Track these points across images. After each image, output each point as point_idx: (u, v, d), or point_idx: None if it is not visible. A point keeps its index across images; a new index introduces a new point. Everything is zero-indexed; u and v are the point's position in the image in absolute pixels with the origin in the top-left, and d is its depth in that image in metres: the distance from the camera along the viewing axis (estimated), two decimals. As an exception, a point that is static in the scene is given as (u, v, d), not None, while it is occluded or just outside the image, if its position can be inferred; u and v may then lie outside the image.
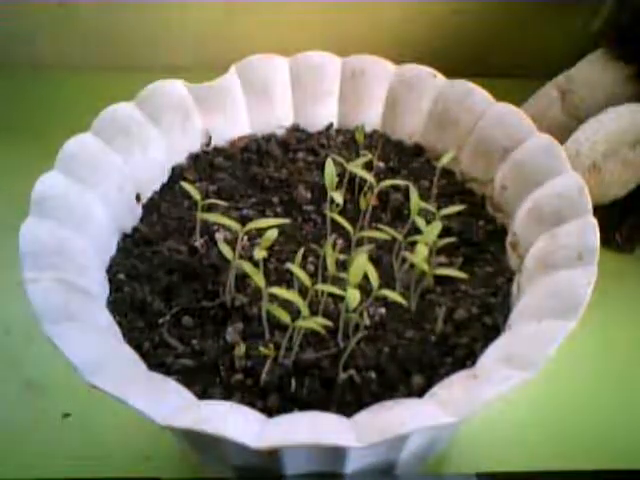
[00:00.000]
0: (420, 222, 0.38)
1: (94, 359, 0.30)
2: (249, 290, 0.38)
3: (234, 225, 0.37)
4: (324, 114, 0.50)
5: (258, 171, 0.47)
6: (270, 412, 0.32)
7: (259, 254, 0.35)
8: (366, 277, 0.34)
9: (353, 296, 0.32)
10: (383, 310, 0.37)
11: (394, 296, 0.34)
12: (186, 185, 0.41)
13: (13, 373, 0.45)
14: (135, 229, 0.43)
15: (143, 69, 0.68)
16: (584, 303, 0.32)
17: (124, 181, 0.42)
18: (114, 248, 0.41)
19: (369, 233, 0.38)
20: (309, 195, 0.45)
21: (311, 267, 0.40)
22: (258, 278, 0.35)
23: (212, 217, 0.38)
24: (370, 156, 0.44)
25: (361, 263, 0.34)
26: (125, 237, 0.42)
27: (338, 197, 0.40)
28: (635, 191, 0.52)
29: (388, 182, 0.41)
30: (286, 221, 0.39)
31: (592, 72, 0.56)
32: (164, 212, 0.44)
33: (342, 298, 0.35)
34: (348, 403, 0.33)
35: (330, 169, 0.40)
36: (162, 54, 0.70)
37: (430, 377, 0.34)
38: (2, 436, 0.42)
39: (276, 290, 0.34)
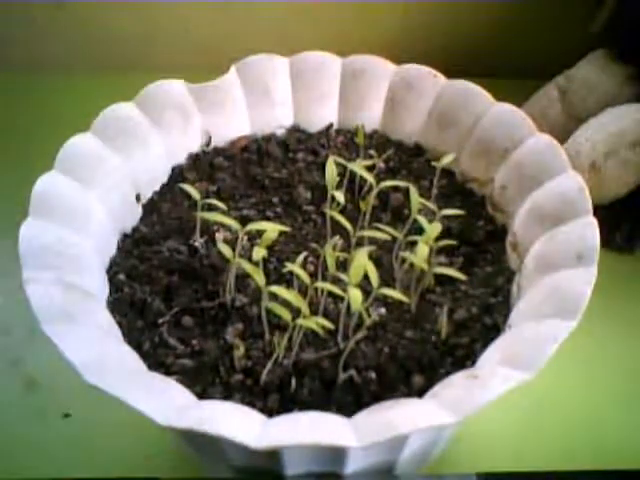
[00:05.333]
0: (421, 220, 0.38)
1: (94, 359, 0.30)
2: (249, 290, 0.38)
3: (234, 224, 0.37)
4: (324, 114, 0.50)
5: (258, 171, 0.47)
6: (270, 412, 0.32)
7: (259, 253, 0.35)
8: (366, 277, 0.34)
9: (356, 296, 0.32)
10: (383, 310, 0.37)
11: (395, 294, 0.34)
12: (186, 185, 0.41)
13: (13, 373, 0.45)
14: (135, 229, 0.43)
15: (143, 69, 0.69)
16: (584, 303, 0.32)
17: (124, 181, 0.42)
18: (114, 248, 0.41)
19: (369, 232, 0.38)
20: (309, 195, 0.45)
21: (311, 267, 0.40)
22: (258, 276, 0.35)
23: (212, 216, 0.38)
24: (376, 159, 0.44)
25: (361, 262, 0.34)
26: (125, 237, 0.42)
27: (339, 196, 0.40)
28: (635, 191, 0.52)
29: (388, 182, 0.41)
30: (287, 229, 0.39)
31: (592, 72, 0.56)
32: (164, 212, 0.44)
33: (342, 298, 0.35)
34: (348, 403, 0.33)
35: (331, 168, 0.40)
36: (162, 54, 0.70)
37: (430, 377, 0.34)
38: (2, 436, 0.42)
39: (276, 289, 0.34)
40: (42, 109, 0.66)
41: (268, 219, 0.43)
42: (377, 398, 0.32)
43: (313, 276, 0.38)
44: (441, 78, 0.47)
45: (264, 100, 0.49)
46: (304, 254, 0.38)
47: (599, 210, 0.38)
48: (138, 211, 0.44)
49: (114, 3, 0.67)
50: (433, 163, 0.45)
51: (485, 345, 0.34)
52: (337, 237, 0.41)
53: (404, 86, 0.48)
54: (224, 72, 0.48)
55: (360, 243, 0.40)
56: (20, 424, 0.42)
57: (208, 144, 0.48)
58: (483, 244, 0.42)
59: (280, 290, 0.34)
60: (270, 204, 0.45)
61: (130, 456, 0.40)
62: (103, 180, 0.41)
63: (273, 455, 0.30)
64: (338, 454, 0.30)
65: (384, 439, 0.28)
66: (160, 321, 0.37)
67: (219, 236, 0.41)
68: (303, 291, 0.36)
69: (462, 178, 0.46)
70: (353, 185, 0.45)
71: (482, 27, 0.68)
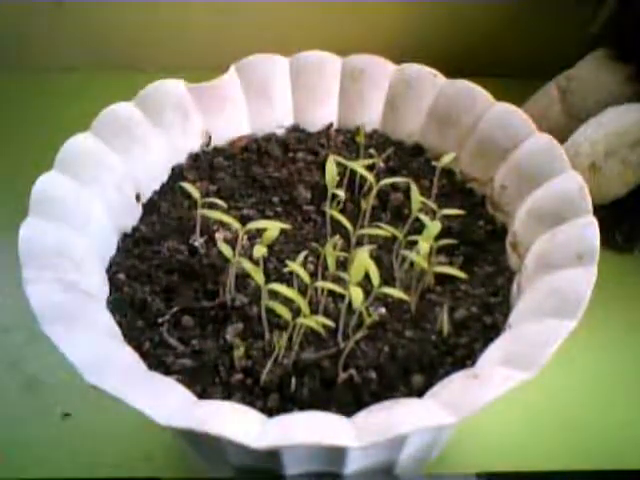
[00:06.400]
0: (422, 217, 0.38)
1: (94, 359, 0.30)
2: (249, 290, 0.38)
3: (234, 223, 0.37)
4: (324, 114, 0.50)
5: (258, 171, 0.47)
6: (270, 412, 0.32)
7: (259, 250, 0.35)
8: (366, 276, 0.34)
9: (357, 294, 0.32)
10: (383, 309, 0.37)
11: (395, 293, 0.34)
12: (186, 185, 0.41)
13: (13, 373, 0.45)
14: (135, 229, 0.43)
15: (143, 69, 0.69)
16: (584, 303, 0.32)
17: (124, 181, 0.42)
18: (114, 248, 0.41)
19: (369, 231, 0.38)
20: (309, 195, 0.45)
21: (311, 266, 0.40)
22: (258, 276, 0.35)
23: (212, 214, 0.38)
24: (376, 158, 0.44)
25: (362, 261, 0.34)
26: (125, 237, 0.42)
27: (340, 193, 0.40)
28: (635, 191, 0.52)
29: (388, 181, 0.41)
30: (287, 226, 0.39)
31: (592, 72, 0.56)
32: (164, 212, 0.44)
33: (342, 297, 0.35)
34: (348, 403, 0.33)
35: (331, 168, 0.40)
36: (162, 54, 0.70)
37: (430, 377, 0.34)
38: (2, 436, 0.42)
39: (276, 286, 0.34)
40: (42, 109, 0.66)
41: (268, 219, 0.43)
42: (377, 398, 0.32)
43: (313, 275, 0.38)
44: (441, 78, 0.47)
45: (264, 100, 0.49)
46: (304, 253, 0.38)
47: (599, 210, 0.38)
48: (138, 211, 0.44)
49: (114, 3, 0.67)
50: (433, 163, 0.45)
51: (485, 345, 0.34)
52: (337, 236, 0.41)
53: (404, 86, 0.48)
54: (224, 72, 0.48)
55: (360, 242, 0.40)
56: (20, 424, 0.42)
57: (208, 144, 0.48)
58: (483, 244, 0.42)
59: (280, 287, 0.34)
60: (270, 204, 0.45)
61: (130, 456, 0.40)
62: (103, 180, 0.41)
63: (273, 455, 0.30)
64: (338, 454, 0.30)
65: (384, 439, 0.28)
66: (160, 321, 0.37)
67: (219, 236, 0.41)
68: (303, 290, 0.36)
69: (462, 178, 0.46)
70: (353, 185, 0.45)
71: (482, 27, 0.68)
